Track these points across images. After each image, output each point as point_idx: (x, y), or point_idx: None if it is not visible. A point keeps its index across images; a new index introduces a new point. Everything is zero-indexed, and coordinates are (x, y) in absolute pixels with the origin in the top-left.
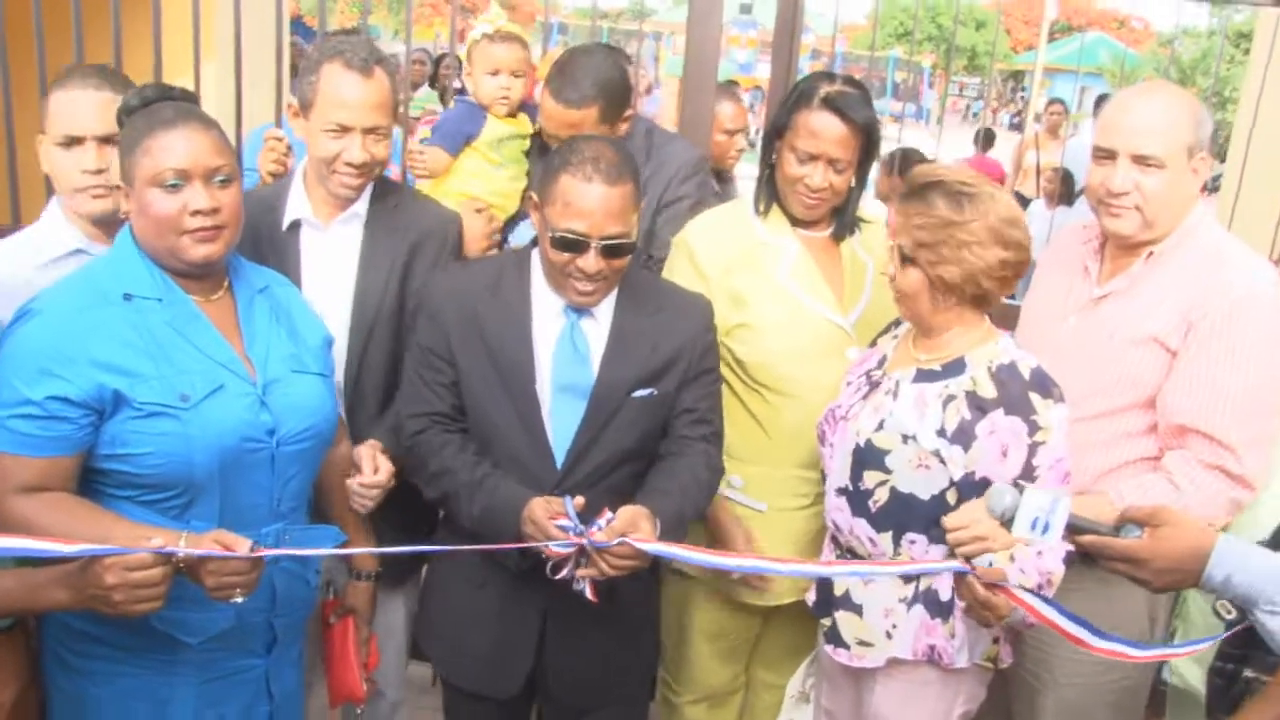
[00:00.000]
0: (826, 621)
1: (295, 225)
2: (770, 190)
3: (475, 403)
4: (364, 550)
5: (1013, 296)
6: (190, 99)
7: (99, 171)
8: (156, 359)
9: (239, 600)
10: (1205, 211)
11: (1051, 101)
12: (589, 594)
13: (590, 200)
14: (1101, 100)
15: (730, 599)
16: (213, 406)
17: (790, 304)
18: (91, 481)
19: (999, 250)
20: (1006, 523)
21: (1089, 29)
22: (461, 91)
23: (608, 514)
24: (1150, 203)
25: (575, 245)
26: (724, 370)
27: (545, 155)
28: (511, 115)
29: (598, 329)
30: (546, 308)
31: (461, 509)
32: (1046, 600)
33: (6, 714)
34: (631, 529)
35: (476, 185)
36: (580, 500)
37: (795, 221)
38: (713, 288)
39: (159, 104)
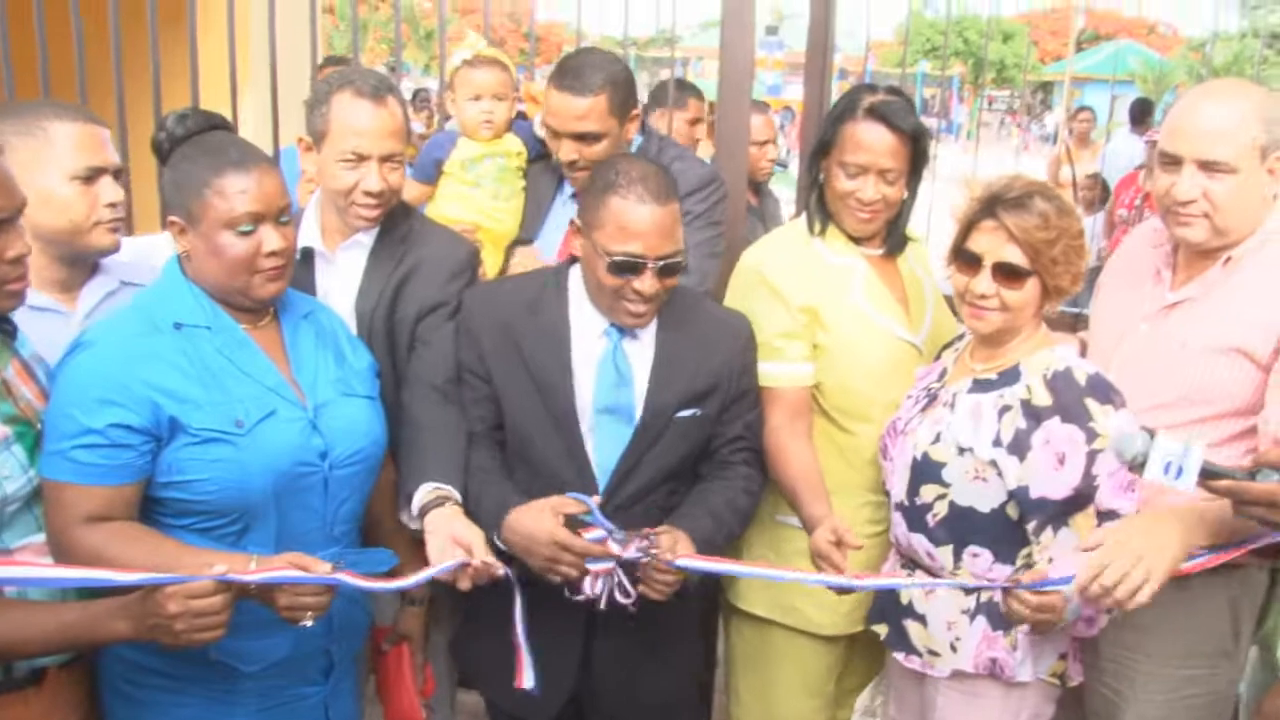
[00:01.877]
0: (881, 629)
1: (308, 254)
2: (822, 210)
3: (515, 420)
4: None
5: (1075, 304)
6: (229, 126)
7: (120, 203)
8: (209, 386)
9: (309, 623)
10: None
11: (1080, 109)
12: (630, 604)
13: (645, 222)
14: (1138, 105)
15: (808, 632)
16: (266, 431)
17: (865, 324)
18: (149, 510)
19: (1085, 246)
20: (1137, 467)
21: (1117, 37)
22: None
23: (647, 532)
24: (1220, 210)
25: (632, 268)
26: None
27: (549, 172)
28: (496, 138)
29: (640, 350)
30: (587, 328)
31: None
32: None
33: None
34: (673, 547)
35: (454, 208)
36: (598, 498)
37: (853, 239)
38: (794, 309)
39: (214, 137)
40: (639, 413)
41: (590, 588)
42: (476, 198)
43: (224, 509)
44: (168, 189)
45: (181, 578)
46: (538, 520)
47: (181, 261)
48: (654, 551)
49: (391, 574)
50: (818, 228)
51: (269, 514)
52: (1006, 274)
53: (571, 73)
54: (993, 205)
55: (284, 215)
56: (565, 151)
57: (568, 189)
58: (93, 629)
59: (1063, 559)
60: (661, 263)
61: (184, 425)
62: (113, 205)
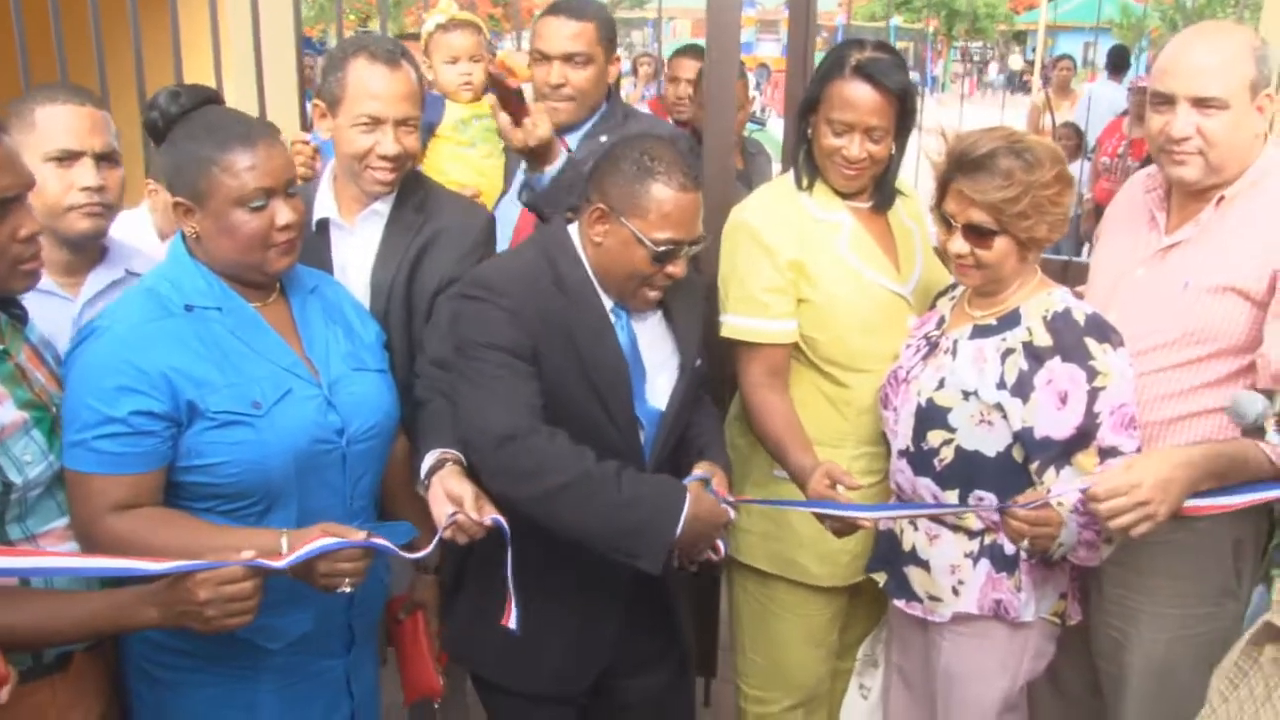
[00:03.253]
0: (880, 577)
1: (323, 225)
2: (810, 165)
3: (566, 403)
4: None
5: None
6: (221, 100)
7: (100, 188)
8: (224, 368)
9: (347, 589)
10: (1278, 152)
11: (1059, 58)
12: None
13: (687, 209)
14: (1116, 52)
15: (809, 585)
16: (284, 411)
17: (853, 277)
18: (169, 496)
19: (1068, 191)
20: (1255, 430)
21: None
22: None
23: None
24: (1215, 146)
25: (673, 254)
26: (795, 353)
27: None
28: (476, 100)
29: (639, 320)
30: (606, 303)
31: (589, 499)
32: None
33: None
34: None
35: (456, 170)
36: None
37: (840, 194)
38: (780, 264)
39: (213, 112)
40: (658, 380)
41: (725, 548)
42: (473, 158)
43: (246, 491)
44: (169, 170)
45: (211, 564)
46: (714, 506)
47: (188, 242)
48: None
49: (411, 545)
50: (805, 183)
51: (290, 493)
52: (975, 234)
53: (564, 3)
54: (956, 167)
55: (292, 187)
56: (555, 75)
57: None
58: (122, 616)
59: (1064, 491)
60: (694, 246)
61: (202, 409)
62: (89, 189)
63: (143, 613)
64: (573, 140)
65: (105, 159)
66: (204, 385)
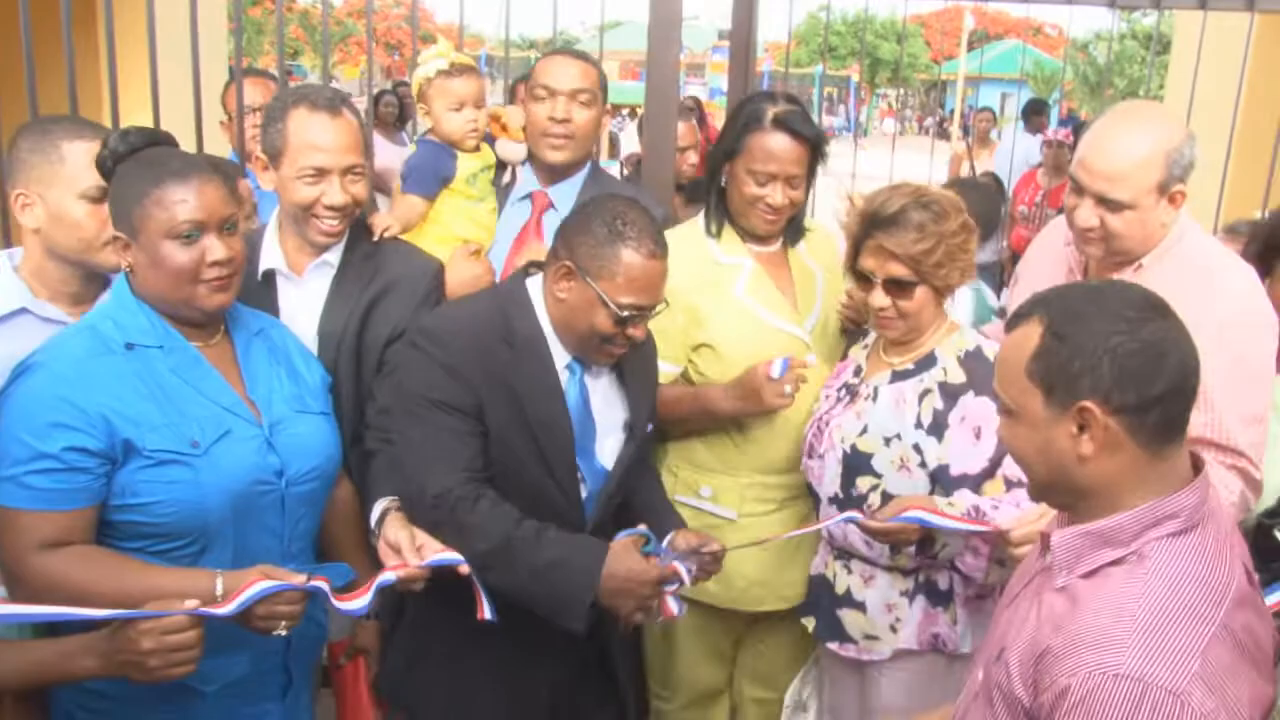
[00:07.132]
0: (809, 622)
1: (269, 276)
2: (721, 211)
3: (506, 456)
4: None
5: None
6: (173, 143)
7: None
8: (163, 406)
9: (282, 633)
10: (1189, 223)
11: (980, 110)
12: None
13: (654, 275)
14: (1032, 105)
15: (708, 604)
16: (222, 451)
17: (749, 319)
18: (101, 535)
19: (972, 237)
20: None
21: (1006, 37)
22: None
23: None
24: (1116, 238)
25: (635, 319)
26: (691, 387)
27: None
28: (477, 148)
29: (594, 378)
30: (558, 360)
31: (512, 564)
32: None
33: None
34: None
35: (464, 227)
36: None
37: (745, 238)
38: (674, 307)
39: (155, 151)
40: (608, 440)
41: (678, 609)
42: (479, 212)
43: (181, 531)
44: (111, 205)
45: (154, 613)
46: (636, 564)
47: (129, 278)
48: (706, 552)
49: (348, 587)
50: (714, 228)
51: (226, 535)
52: (896, 286)
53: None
54: (871, 225)
55: (228, 224)
56: (560, 109)
57: (512, 197)
58: (63, 666)
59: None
60: (656, 309)
61: (139, 447)
62: None
63: (84, 662)
64: (561, 196)
65: None
66: (142, 423)
